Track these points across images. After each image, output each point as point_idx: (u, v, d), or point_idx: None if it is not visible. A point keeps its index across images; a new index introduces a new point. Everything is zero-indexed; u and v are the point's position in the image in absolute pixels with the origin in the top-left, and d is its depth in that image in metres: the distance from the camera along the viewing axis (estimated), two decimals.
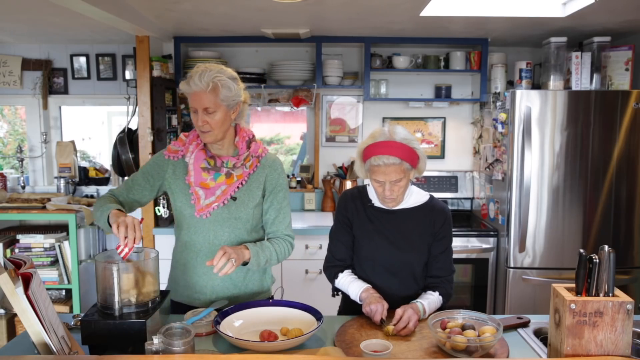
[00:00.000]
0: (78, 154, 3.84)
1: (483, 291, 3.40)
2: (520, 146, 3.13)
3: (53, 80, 3.84)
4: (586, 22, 3.03)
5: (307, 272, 3.34)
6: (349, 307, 1.95)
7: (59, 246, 3.25)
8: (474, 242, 3.36)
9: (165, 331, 1.39)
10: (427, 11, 2.80)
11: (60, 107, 3.92)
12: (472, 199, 3.90)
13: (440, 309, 1.83)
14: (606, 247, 1.37)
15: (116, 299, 1.51)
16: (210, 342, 1.60)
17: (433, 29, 3.34)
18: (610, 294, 1.37)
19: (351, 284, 1.87)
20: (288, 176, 3.93)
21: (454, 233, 1.98)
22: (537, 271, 3.21)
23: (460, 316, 1.64)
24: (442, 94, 3.78)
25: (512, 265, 3.21)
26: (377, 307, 1.71)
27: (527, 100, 3.11)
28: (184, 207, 1.83)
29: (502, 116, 3.24)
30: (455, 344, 1.47)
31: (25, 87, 3.83)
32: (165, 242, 3.30)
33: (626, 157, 3.14)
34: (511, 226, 3.18)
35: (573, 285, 1.42)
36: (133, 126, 3.58)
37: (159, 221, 3.38)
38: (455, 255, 2.11)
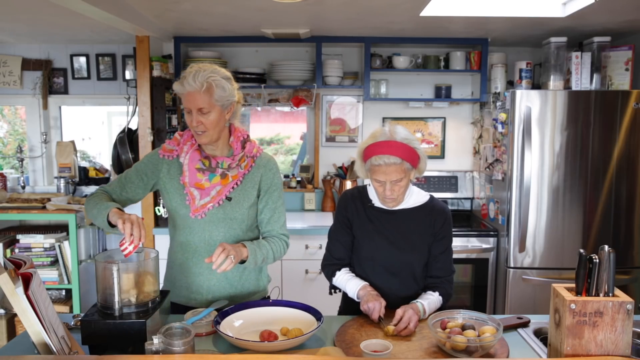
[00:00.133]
0: (78, 154, 3.84)
1: (483, 291, 3.40)
2: (520, 146, 3.13)
3: (53, 80, 3.84)
4: (586, 22, 3.03)
5: (307, 272, 3.34)
6: (349, 307, 1.95)
7: (59, 246, 3.25)
8: (474, 242, 3.36)
9: (165, 331, 1.39)
10: (427, 11, 2.80)
11: (60, 107, 3.92)
12: (472, 199, 3.90)
13: (440, 309, 1.83)
14: (606, 247, 1.37)
15: (116, 299, 1.51)
16: (210, 342, 1.60)
17: (433, 29, 3.34)
18: (610, 294, 1.37)
19: (349, 281, 1.87)
20: (288, 176, 3.93)
21: (454, 233, 1.98)
22: (537, 271, 3.21)
23: (460, 316, 1.64)
24: (442, 94, 3.78)
25: (512, 265, 3.21)
26: (374, 305, 1.71)
27: (527, 100, 3.11)
28: (178, 207, 1.82)
29: (502, 116, 3.24)
30: (455, 344, 1.47)
31: (25, 87, 3.83)
32: (165, 242, 3.26)
33: (626, 157, 3.14)
34: (511, 226, 3.18)
35: (573, 285, 1.42)
36: (133, 126, 3.58)
37: (159, 221, 3.38)
38: (455, 255, 2.11)
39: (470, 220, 3.75)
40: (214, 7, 2.76)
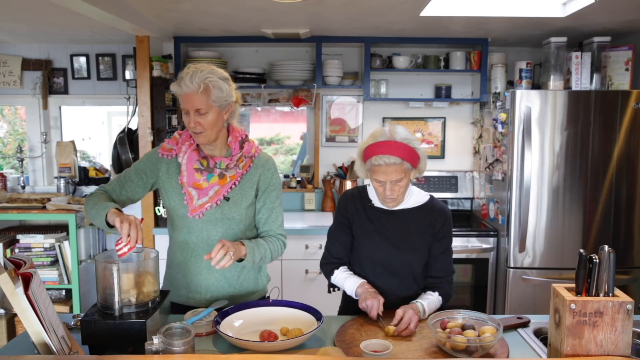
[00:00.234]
0: (78, 154, 3.84)
1: (483, 291, 3.40)
2: (520, 146, 3.13)
3: (53, 80, 3.84)
4: (586, 22, 3.03)
5: (307, 272, 3.34)
6: (349, 306, 1.95)
7: (59, 246, 3.25)
8: (474, 242, 3.36)
9: (165, 331, 1.39)
10: (427, 11, 2.80)
11: (60, 107, 3.92)
12: (472, 199, 3.90)
13: (440, 309, 1.83)
14: (606, 247, 1.37)
15: (116, 299, 1.51)
16: (210, 342, 1.60)
17: (433, 29, 3.34)
18: (610, 294, 1.37)
19: (347, 279, 1.87)
20: (288, 176, 3.93)
21: (454, 233, 1.98)
22: (537, 271, 3.21)
23: (460, 316, 1.64)
24: (442, 94, 3.78)
25: (512, 265, 3.21)
26: (372, 303, 1.71)
27: (527, 100, 3.11)
28: (177, 207, 1.83)
29: (502, 116, 3.24)
30: (455, 344, 1.47)
31: (25, 87, 3.83)
32: (165, 242, 3.27)
33: (626, 157, 3.14)
34: (511, 226, 3.18)
35: (573, 285, 1.42)
36: (133, 126, 3.58)
37: (159, 221, 3.38)
38: (455, 255, 2.11)
39: (470, 220, 3.75)
40: (214, 7, 2.76)
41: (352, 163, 3.73)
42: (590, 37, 3.31)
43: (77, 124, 4.35)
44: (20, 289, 1.28)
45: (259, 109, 3.99)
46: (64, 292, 3.40)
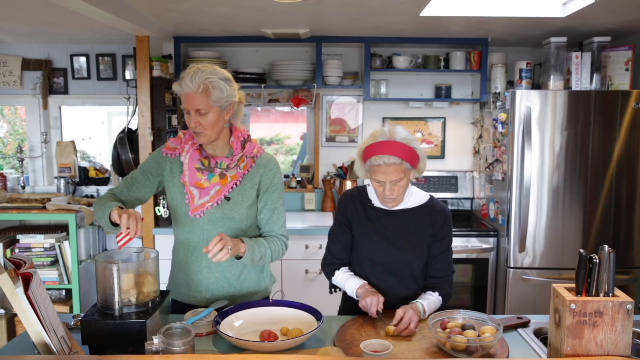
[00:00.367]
0: (78, 154, 3.84)
1: (483, 291, 3.40)
2: (520, 146, 3.13)
3: (53, 80, 3.84)
4: (586, 22, 3.03)
5: (307, 272, 3.34)
6: (349, 307, 1.95)
7: (59, 246, 3.25)
8: (474, 242, 3.36)
9: (165, 331, 1.39)
10: (427, 11, 2.80)
11: (60, 107, 3.92)
12: (472, 199, 3.90)
13: (440, 309, 1.83)
14: (606, 247, 1.37)
15: (116, 299, 1.51)
16: (210, 342, 1.60)
17: (433, 29, 3.34)
18: (610, 294, 1.37)
19: (348, 280, 1.87)
20: (287, 176, 3.93)
21: (454, 233, 1.98)
22: (537, 271, 3.21)
23: (460, 316, 1.64)
24: (442, 94, 3.78)
25: (512, 265, 3.21)
26: (372, 300, 1.71)
27: (527, 100, 3.11)
28: (179, 205, 1.84)
29: (502, 116, 3.24)
30: (455, 344, 1.47)
31: (25, 87, 3.83)
32: (165, 242, 3.30)
33: (626, 157, 3.14)
34: (511, 226, 3.18)
35: (573, 285, 1.42)
36: (133, 126, 3.58)
37: (159, 221, 3.38)
38: (455, 255, 2.12)
39: (470, 220, 3.75)
40: (214, 7, 2.76)
41: (352, 163, 3.73)
42: (590, 37, 3.31)
43: (77, 124, 4.35)
44: (20, 289, 1.28)
45: (259, 109, 3.99)
46: (64, 292, 3.39)
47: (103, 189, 3.85)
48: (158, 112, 3.35)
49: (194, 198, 1.80)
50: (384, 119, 3.92)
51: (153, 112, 3.34)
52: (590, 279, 1.39)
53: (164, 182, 1.88)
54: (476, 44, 3.63)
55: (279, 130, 4.61)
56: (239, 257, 1.75)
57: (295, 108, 3.82)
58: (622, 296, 1.37)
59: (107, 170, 3.98)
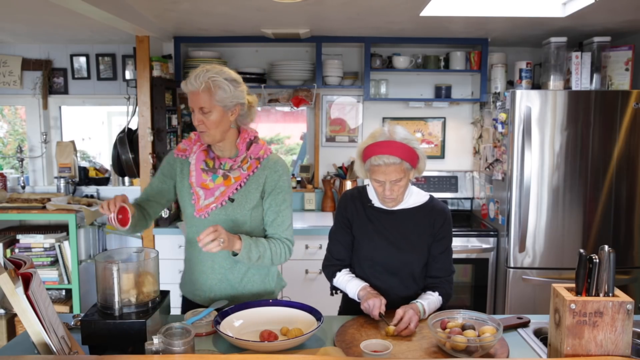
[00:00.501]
0: (78, 154, 3.84)
1: (483, 291, 3.40)
2: (520, 146, 3.13)
3: (53, 80, 3.84)
4: (586, 22, 3.03)
5: (307, 272, 3.34)
6: (349, 307, 1.95)
7: (59, 246, 3.25)
8: (474, 242, 3.36)
9: (165, 331, 1.39)
10: (427, 11, 2.80)
11: (60, 107, 3.92)
12: (472, 199, 3.90)
13: (440, 309, 1.83)
14: (606, 247, 1.37)
15: (116, 299, 1.51)
16: (210, 342, 1.60)
17: (433, 29, 3.34)
18: (610, 294, 1.37)
19: (349, 282, 1.87)
20: None
21: (454, 233, 1.98)
22: (537, 271, 3.21)
23: (460, 316, 1.64)
24: (442, 94, 3.78)
25: (512, 265, 3.21)
26: (374, 302, 1.71)
27: (527, 100, 3.11)
28: (186, 205, 1.87)
29: (502, 116, 3.24)
30: (455, 344, 1.47)
31: (25, 87, 3.83)
32: (165, 242, 3.30)
33: (626, 157, 3.14)
34: (511, 226, 3.18)
35: (573, 285, 1.42)
36: (133, 126, 3.58)
37: (159, 221, 3.38)
38: (455, 255, 2.12)
39: (470, 220, 3.75)
40: (214, 7, 2.76)
41: (352, 163, 3.73)
42: (590, 37, 3.31)
43: (77, 124, 4.36)
44: (20, 289, 1.28)
45: (259, 109, 3.99)
46: (64, 292, 3.39)
47: (103, 189, 3.85)
48: (158, 112, 3.35)
49: (199, 199, 1.81)
50: (384, 119, 3.92)
51: (153, 112, 3.34)
52: (590, 279, 1.39)
53: (176, 183, 1.92)
54: (476, 44, 3.63)
55: (279, 130, 4.62)
56: (235, 254, 1.74)
57: (295, 108, 3.82)
58: (622, 296, 1.37)
59: (107, 170, 3.98)
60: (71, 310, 3.29)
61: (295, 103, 3.74)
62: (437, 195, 2.76)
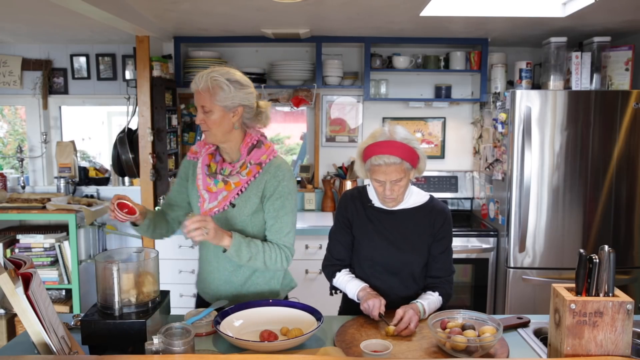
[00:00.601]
0: (78, 154, 3.84)
1: (483, 291, 3.40)
2: (520, 146, 3.13)
3: (53, 80, 3.84)
4: (586, 22, 3.03)
5: (307, 272, 3.34)
6: (349, 307, 1.95)
7: (59, 246, 3.25)
8: (474, 242, 3.36)
9: (165, 331, 1.39)
10: (427, 11, 2.80)
11: (60, 107, 3.92)
12: (472, 199, 3.90)
13: (440, 309, 1.83)
14: (606, 247, 1.37)
15: (116, 299, 1.51)
16: (210, 342, 1.60)
17: (433, 29, 3.34)
18: (610, 294, 1.37)
19: (349, 282, 1.87)
20: None
21: (454, 233, 1.98)
22: (537, 271, 3.21)
23: (460, 316, 1.64)
24: (442, 94, 3.78)
25: (512, 265, 3.21)
26: (374, 302, 1.71)
27: (527, 100, 3.11)
28: (194, 208, 1.90)
29: (502, 116, 3.24)
30: (455, 344, 1.47)
31: (25, 87, 3.83)
32: (165, 242, 3.29)
33: (626, 157, 3.14)
34: (511, 226, 3.18)
35: (573, 285, 1.42)
36: (133, 126, 3.58)
37: None
38: (455, 255, 2.11)
39: (470, 220, 3.75)
40: (214, 7, 2.76)
41: (352, 163, 3.73)
42: (590, 37, 3.31)
43: (77, 124, 4.35)
44: (20, 289, 1.28)
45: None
46: (64, 292, 3.39)
47: (103, 189, 3.85)
48: (158, 112, 3.35)
49: (204, 202, 1.82)
50: (384, 119, 3.92)
51: (153, 112, 3.34)
52: (590, 279, 1.39)
53: (188, 185, 1.94)
54: (476, 44, 3.63)
55: (279, 130, 4.62)
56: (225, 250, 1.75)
57: (295, 108, 3.82)
58: (622, 296, 1.37)
59: (107, 170, 3.98)
60: (71, 310, 3.29)
61: (295, 103, 3.74)
62: (437, 195, 2.76)
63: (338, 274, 1.93)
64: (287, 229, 1.82)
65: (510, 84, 3.62)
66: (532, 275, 3.21)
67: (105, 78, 3.83)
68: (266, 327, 1.62)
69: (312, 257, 3.33)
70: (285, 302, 1.76)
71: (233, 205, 1.80)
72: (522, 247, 3.18)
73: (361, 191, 1.96)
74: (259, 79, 3.72)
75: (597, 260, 1.38)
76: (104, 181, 3.89)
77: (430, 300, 1.80)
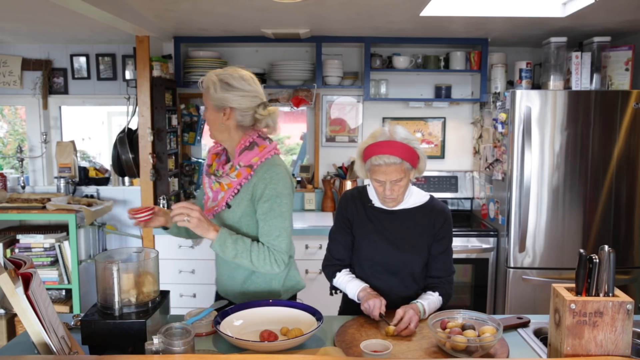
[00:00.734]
0: (78, 154, 3.84)
1: (483, 291, 3.40)
2: (520, 146, 3.13)
3: (53, 80, 3.84)
4: (586, 22, 3.03)
5: (307, 272, 3.34)
6: (349, 307, 1.95)
7: (59, 246, 3.25)
8: (474, 242, 3.36)
9: (165, 331, 1.39)
10: (427, 11, 2.80)
11: (60, 107, 3.92)
12: (472, 199, 3.90)
13: (440, 309, 1.83)
14: (606, 247, 1.37)
15: (116, 299, 1.51)
16: (210, 342, 1.60)
17: (433, 29, 3.34)
18: (610, 294, 1.37)
19: (349, 283, 1.87)
20: None
21: (454, 233, 1.98)
22: (537, 271, 3.21)
23: (460, 316, 1.64)
24: (442, 94, 3.78)
25: (512, 265, 3.21)
26: (374, 302, 1.71)
27: (527, 100, 3.11)
28: (202, 205, 1.93)
29: (502, 116, 3.24)
30: (455, 344, 1.47)
31: (25, 87, 3.83)
32: (165, 242, 3.30)
33: (626, 157, 3.14)
34: (511, 226, 3.18)
35: (573, 285, 1.42)
36: (133, 126, 3.58)
37: None
38: (455, 255, 2.11)
39: (470, 220, 3.75)
40: (214, 7, 2.76)
41: (352, 163, 3.73)
42: (590, 37, 3.31)
43: (77, 124, 4.35)
44: (20, 289, 1.28)
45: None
46: (64, 292, 3.39)
47: (103, 189, 3.85)
48: (158, 112, 3.35)
49: (208, 200, 1.87)
50: (384, 119, 3.92)
51: (153, 112, 3.34)
52: (590, 279, 1.39)
53: None
54: (476, 44, 3.63)
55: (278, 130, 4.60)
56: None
57: (295, 108, 3.82)
58: (622, 296, 1.37)
59: (107, 170, 3.98)
60: (71, 310, 3.29)
61: (295, 103, 3.74)
62: (437, 195, 2.76)
63: (338, 274, 1.93)
64: (277, 232, 1.75)
65: (510, 84, 3.62)
66: (532, 275, 3.21)
67: (105, 78, 3.83)
68: (266, 327, 1.62)
69: (312, 257, 3.33)
70: (285, 302, 1.76)
71: (229, 206, 1.82)
72: (522, 247, 3.18)
73: (361, 191, 1.96)
74: (259, 79, 3.70)
75: (597, 260, 1.38)
76: (104, 181, 3.89)
77: (431, 300, 1.80)
